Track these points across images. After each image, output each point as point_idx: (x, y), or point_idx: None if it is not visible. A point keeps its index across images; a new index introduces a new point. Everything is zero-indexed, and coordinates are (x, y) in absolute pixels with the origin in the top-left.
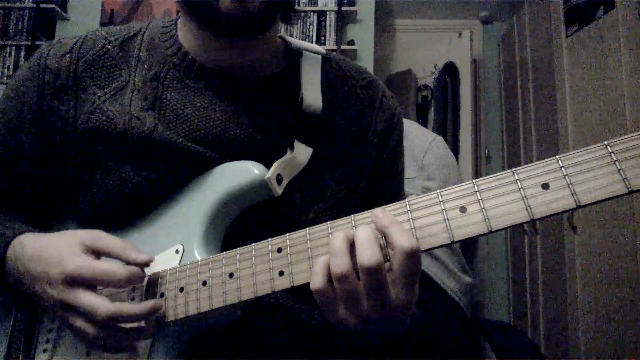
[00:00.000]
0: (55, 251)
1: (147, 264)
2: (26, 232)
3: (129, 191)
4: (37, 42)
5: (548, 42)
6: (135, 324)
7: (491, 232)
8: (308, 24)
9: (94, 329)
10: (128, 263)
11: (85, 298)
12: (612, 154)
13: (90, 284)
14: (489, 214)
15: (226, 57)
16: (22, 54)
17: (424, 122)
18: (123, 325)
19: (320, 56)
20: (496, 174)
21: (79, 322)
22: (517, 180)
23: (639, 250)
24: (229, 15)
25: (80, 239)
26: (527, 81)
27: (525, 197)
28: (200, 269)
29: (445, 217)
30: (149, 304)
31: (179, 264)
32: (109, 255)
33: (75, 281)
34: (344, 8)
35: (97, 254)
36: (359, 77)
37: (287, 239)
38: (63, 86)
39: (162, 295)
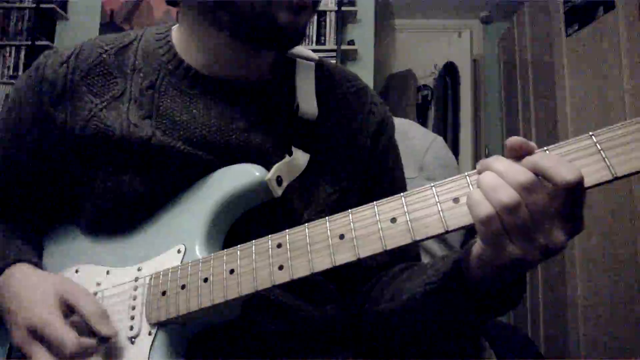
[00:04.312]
0: (32, 296)
1: (107, 340)
2: (22, 261)
3: (130, 195)
4: (37, 42)
5: (548, 42)
6: None
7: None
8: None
9: None
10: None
11: (37, 353)
12: (597, 144)
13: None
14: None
15: (228, 65)
16: (22, 54)
17: (424, 122)
18: None
19: (313, 63)
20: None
21: None
22: None
23: (639, 250)
24: (286, 28)
25: (59, 291)
26: (527, 81)
27: None
28: (202, 267)
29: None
30: None
31: (181, 263)
32: (80, 317)
33: (35, 334)
34: (344, 8)
35: (72, 310)
36: (349, 84)
37: (287, 235)
38: (59, 96)
39: (163, 293)
